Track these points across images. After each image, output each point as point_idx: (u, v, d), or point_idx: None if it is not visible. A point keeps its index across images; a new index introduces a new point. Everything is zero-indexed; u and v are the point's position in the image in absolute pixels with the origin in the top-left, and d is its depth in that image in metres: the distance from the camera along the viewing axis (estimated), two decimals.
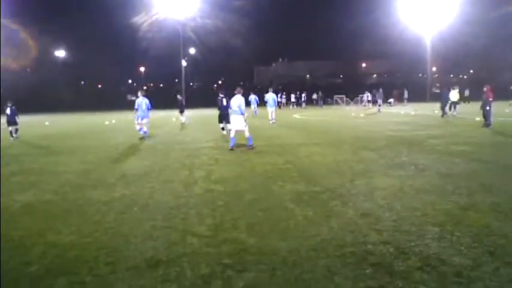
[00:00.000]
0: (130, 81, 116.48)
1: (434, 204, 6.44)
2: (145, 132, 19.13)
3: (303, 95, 57.18)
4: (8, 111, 21.14)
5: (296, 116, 35.66)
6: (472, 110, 28.35)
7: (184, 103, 30.28)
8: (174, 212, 6.48)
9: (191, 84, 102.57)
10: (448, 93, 28.97)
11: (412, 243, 4.82)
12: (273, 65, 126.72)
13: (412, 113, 33.96)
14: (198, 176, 9.38)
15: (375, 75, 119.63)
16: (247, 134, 13.83)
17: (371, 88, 52.54)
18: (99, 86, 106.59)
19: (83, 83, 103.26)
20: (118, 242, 5.22)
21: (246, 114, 13.90)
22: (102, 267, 4.48)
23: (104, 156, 13.28)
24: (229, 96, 15.10)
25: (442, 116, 27.88)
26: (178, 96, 30.57)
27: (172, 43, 75.59)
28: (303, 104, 56.26)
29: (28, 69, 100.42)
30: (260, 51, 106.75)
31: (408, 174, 8.80)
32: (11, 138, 20.53)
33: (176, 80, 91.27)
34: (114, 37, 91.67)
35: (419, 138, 15.50)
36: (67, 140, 19.37)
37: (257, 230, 5.51)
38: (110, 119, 34.35)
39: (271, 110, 27.62)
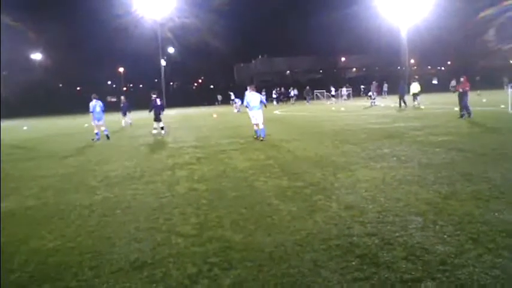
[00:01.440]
0: (109, 82, 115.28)
1: (416, 194, 6.51)
2: (105, 131, 19.62)
3: (293, 90, 57.05)
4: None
5: (277, 112, 35.70)
6: (451, 101, 28.76)
7: (127, 104, 29.36)
8: (157, 213, 6.43)
9: (171, 83, 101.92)
10: (407, 86, 31.82)
11: (396, 234, 4.86)
12: (253, 61, 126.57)
13: (392, 105, 34.27)
14: (181, 176, 9.33)
15: (354, 69, 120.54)
16: (261, 126, 15.30)
17: (350, 82, 52.92)
18: (78, 88, 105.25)
19: (60, 85, 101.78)
20: (102, 246, 5.16)
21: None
22: (86, 271, 4.42)
23: (85, 159, 13.12)
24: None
25: (400, 107, 30.06)
26: (122, 98, 29.75)
27: (151, 43, 75.13)
28: (292, 100, 56.22)
29: (4, 73, 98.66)
30: (239, 48, 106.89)
31: (390, 166, 8.89)
32: None
33: (156, 80, 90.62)
34: (91, 38, 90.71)
35: (400, 130, 15.66)
36: (46, 144, 19.08)
37: (242, 227, 5.50)
38: (90, 122, 33.95)
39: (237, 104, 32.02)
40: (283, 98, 56.71)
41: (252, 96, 15.53)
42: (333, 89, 54.85)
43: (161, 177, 9.34)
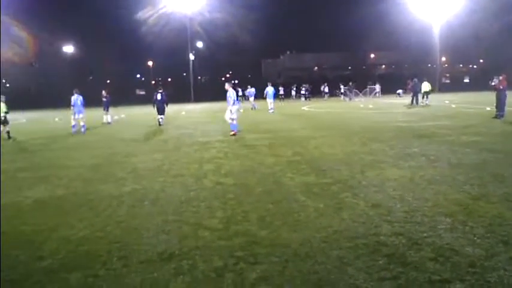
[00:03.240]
0: (138, 75, 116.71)
1: (445, 195, 6.41)
2: (83, 127, 20.71)
3: (325, 87, 56.53)
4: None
5: (305, 108, 35.57)
6: (483, 100, 28.18)
7: (109, 100, 27.06)
8: (185, 206, 6.50)
9: (199, 78, 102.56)
10: (420, 84, 32.75)
11: (425, 234, 4.79)
12: (281, 57, 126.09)
13: (422, 103, 33.71)
14: (208, 170, 9.39)
15: (383, 66, 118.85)
16: (235, 122, 16.13)
17: (379, 79, 52.06)
18: (108, 81, 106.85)
19: (91, 78, 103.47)
20: (130, 236, 5.25)
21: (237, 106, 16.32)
22: (115, 261, 4.51)
23: (113, 151, 13.33)
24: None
25: (412, 104, 31.64)
26: (103, 92, 27.34)
27: (180, 37, 75.66)
28: (326, 96, 55.73)
29: (36, 65, 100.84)
30: (267, 44, 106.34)
31: (419, 165, 8.76)
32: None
33: (184, 74, 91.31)
34: (122, 32, 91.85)
35: (430, 129, 15.40)
36: (77, 136, 19.45)
37: (268, 222, 5.52)
38: (119, 114, 34.47)
39: (270, 101, 31.63)
40: (310, 94, 56.08)
41: (234, 92, 16.33)
42: (341, 87, 54.42)
43: (189, 170, 9.43)
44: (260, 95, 36.94)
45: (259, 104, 36.19)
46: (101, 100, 27.05)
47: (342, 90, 54.00)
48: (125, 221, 5.88)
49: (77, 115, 20.62)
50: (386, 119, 20.94)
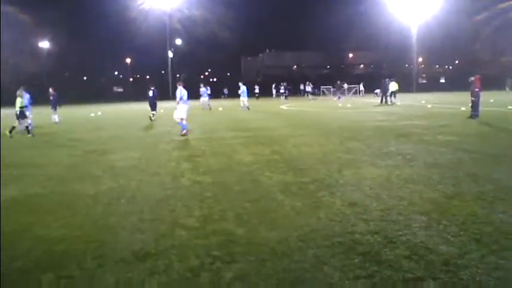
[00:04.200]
0: (116, 72, 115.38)
1: (421, 194, 6.49)
2: (30, 125, 19.76)
3: (308, 85, 56.59)
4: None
5: (283, 107, 35.68)
6: (458, 100, 28.69)
7: (56, 98, 26.05)
8: (161, 204, 6.45)
9: (178, 75, 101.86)
10: (389, 84, 35.23)
11: (400, 233, 4.85)
12: (260, 55, 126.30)
13: (399, 103, 34.15)
14: (186, 168, 9.35)
15: (362, 66, 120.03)
16: (185, 122, 16.13)
17: (359, 79, 52.51)
18: (84, 77, 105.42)
19: (66, 74, 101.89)
20: (106, 235, 5.18)
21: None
22: (89, 261, 4.44)
23: (90, 148, 13.15)
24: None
25: (381, 103, 34.26)
26: (50, 90, 26.31)
27: (159, 34, 75.13)
28: (309, 96, 55.71)
29: (10, 60, 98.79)
30: (247, 42, 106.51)
31: (395, 164, 8.86)
32: None
33: (163, 72, 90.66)
34: (99, 28, 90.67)
35: (406, 128, 15.61)
36: (52, 133, 19.15)
37: (246, 221, 5.51)
38: (96, 111, 34.08)
39: (243, 99, 33.45)
40: (288, 93, 56.13)
41: (184, 92, 16.50)
42: (308, 84, 55.12)
43: (166, 169, 9.36)
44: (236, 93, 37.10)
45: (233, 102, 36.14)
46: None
47: (309, 89, 54.56)
48: (101, 220, 5.80)
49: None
50: (365, 118, 21.16)
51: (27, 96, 20.30)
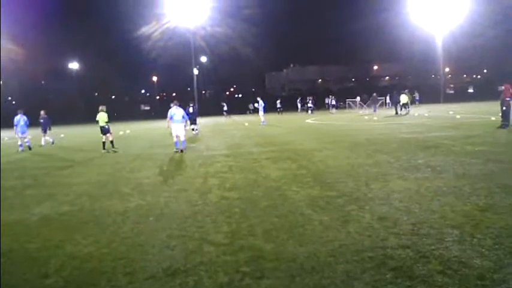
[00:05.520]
0: (143, 91, 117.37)
1: (452, 206, 6.35)
2: (27, 143, 21.75)
3: (332, 99, 56.00)
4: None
5: (309, 121, 35.58)
6: (487, 110, 28.13)
7: (46, 121, 24.84)
8: (189, 221, 6.48)
9: (203, 92, 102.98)
10: (399, 96, 37.07)
11: (432, 247, 4.75)
12: (284, 70, 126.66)
13: (426, 114, 33.67)
14: (213, 184, 9.38)
15: (387, 78, 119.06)
16: (182, 138, 16.77)
17: (384, 91, 51.93)
18: (113, 96, 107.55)
19: (96, 94, 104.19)
20: (135, 252, 5.23)
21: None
22: (120, 278, 4.49)
23: (119, 166, 13.34)
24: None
25: (396, 114, 35.71)
26: (42, 112, 24.94)
27: (184, 52, 76.05)
28: (332, 109, 54.96)
29: (42, 82, 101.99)
30: (271, 57, 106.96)
31: (424, 177, 8.71)
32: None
33: (189, 89, 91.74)
34: (126, 48, 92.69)
35: (435, 139, 15.34)
36: (82, 152, 19.51)
37: (274, 236, 5.48)
38: (124, 129, 34.64)
39: (261, 113, 34.02)
40: (314, 107, 55.71)
41: (176, 111, 16.90)
42: (331, 97, 54.78)
43: (193, 185, 9.41)
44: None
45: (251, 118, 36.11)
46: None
47: (333, 102, 54.24)
48: (130, 237, 5.87)
49: (20, 134, 21.57)
50: (391, 130, 20.90)
51: (23, 118, 21.80)
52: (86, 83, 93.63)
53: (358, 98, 59.09)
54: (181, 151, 16.32)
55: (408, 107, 38.07)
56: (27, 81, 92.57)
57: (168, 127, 17.12)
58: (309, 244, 5.09)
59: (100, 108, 18.28)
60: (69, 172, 12.87)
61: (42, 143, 24.04)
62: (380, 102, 50.80)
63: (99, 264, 4.91)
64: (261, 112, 34.18)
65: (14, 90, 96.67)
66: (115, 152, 17.60)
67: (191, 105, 27.18)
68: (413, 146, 13.89)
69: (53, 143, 24.73)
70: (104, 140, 17.76)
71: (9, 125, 24.07)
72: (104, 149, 17.46)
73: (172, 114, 16.89)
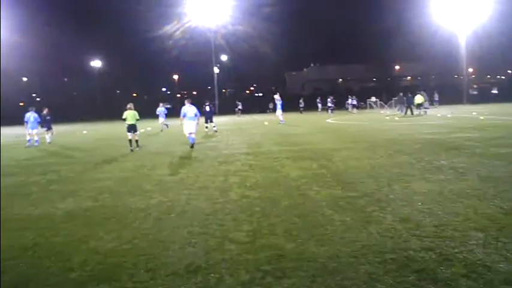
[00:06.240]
0: (164, 89, 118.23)
1: (476, 209, 6.26)
2: (36, 141, 22.53)
3: (353, 99, 55.28)
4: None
5: (329, 120, 35.42)
6: (511, 111, 27.61)
7: (50, 117, 24.39)
8: (211, 218, 6.51)
9: (223, 90, 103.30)
10: (413, 97, 37.19)
11: (456, 250, 4.69)
12: (305, 70, 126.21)
13: (449, 115, 33.21)
14: (233, 182, 9.41)
15: (409, 78, 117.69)
16: (193, 135, 17.61)
17: (406, 91, 51.20)
18: (134, 94, 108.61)
19: (118, 92, 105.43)
20: (157, 248, 5.28)
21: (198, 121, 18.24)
22: (142, 273, 4.54)
23: (140, 163, 13.47)
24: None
25: (405, 114, 36.09)
26: (46, 110, 24.49)
27: (204, 50, 76.63)
28: (352, 109, 54.26)
29: (65, 79, 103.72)
30: (291, 56, 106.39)
31: (447, 178, 8.59)
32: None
33: (209, 87, 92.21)
34: (147, 46, 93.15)
35: (457, 141, 15.12)
36: (104, 149, 19.76)
37: (295, 235, 5.48)
38: (145, 127, 34.93)
39: (279, 112, 33.40)
40: (334, 106, 55.17)
41: (189, 109, 17.64)
42: (352, 97, 54.15)
43: (214, 183, 9.46)
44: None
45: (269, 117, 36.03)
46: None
47: (354, 102, 53.70)
48: (152, 234, 5.93)
49: (30, 130, 22.49)
50: (412, 130, 20.66)
51: (34, 115, 22.71)
52: (108, 81, 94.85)
53: (373, 98, 58.57)
54: (192, 146, 17.14)
55: (425, 108, 38.04)
56: (50, 79, 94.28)
57: (181, 124, 17.85)
58: (330, 244, 5.08)
59: (128, 106, 18.17)
60: (92, 168, 13.04)
61: (48, 140, 23.95)
62: (403, 101, 49.90)
63: (122, 260, 4.97)
64: (279, 111, 33.60)
65: (38, 87, 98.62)
66: (138, 150, 17.63)
67: (207, 104, 27.95)
68: (435, 147, 13.72)
69: (49, 142, 23.65)
70: (130, 138, 17.69)
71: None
72: (131, 146, 17.46)
73: (185, 112, 17.57)
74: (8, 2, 57.89)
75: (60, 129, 25.32)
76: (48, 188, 10.04)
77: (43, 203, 8.32)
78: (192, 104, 18.13)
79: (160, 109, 33.06)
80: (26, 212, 7.58)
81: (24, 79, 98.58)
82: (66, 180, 10.97)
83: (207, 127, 26.97)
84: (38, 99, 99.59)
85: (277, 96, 34.37)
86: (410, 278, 4.04)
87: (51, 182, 10.84)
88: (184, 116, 17.56)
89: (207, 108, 27.51)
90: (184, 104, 18.09)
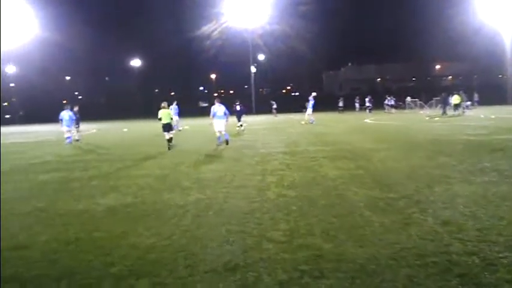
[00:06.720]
0: (201, 88, 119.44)
1: None
2: (70, 138, 23.17)
3: (390, 99, 54.25)
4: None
5: (367, 120, 34.94)
6: None
7: (79, 116, 25.02)
8: (248, 217, 6.54)
9: (260, 90, 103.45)
10: (448, 98, 37.99)
11: (500, 255, 4.54)
12: (342, 69, 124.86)
13: (492, 116, 32.19)
14: (271, 181, 9.41)
15: (450, 77, 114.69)
16: (223, 132, 18.05)
17: (447, 91, 49.76)
18: (172, 93, 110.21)
19: (156, 90, 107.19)
20: (195, 245, 5.34)
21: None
22: (181, 270, 4.60)
23: (178, 161, 13.64)
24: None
25: (445, 114, 35.74)
26: (76, 108, 25.17)
27: (242, 50, 77.00)
28: (389, 109, 53.22)
29: (106, 78, 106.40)
30: (328, 55, 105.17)
31: (491, 181, 8.33)
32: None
33: (246, 86, 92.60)
34: (185, 46, 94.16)
35: (502, 142, 14.64)
36: (143, 146, 20.13)
37: (333, 236, 5.43)
38: (183, 125, 35.40)
39: (309, 111, 33.17)
40: (372, 106, 54.22)
41: (219, 108, 18.15)
42: (390, 97, 53.03)
43: (251, 182, 9.49)
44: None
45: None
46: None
47: (392, 102, 52.71)
48: (190, 230, 6.00)
49: (67, 127, 23.33)
50: (453, 131, 20.15)
51: (69, 113, 23.48)
52: (147, 80, 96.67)
53: (409, 99, 57.39)
54: (227, 143, 17.81)
55: (464, 108, 38.36)
56: (92, 78, 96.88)
57: (211, 123, 18.40)
58: (369, 246, 5.01)
59: (162, 105, 18.32)
60: (131, 165, 13.32)
61: (77, 137, 24.44)
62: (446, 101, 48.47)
63: (161, 256, 5.05)
64: (309, 110, 33.06)
65: (81, 86, 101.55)
66: (173, 148, 17.71)
67: (237, 103, 28.92)
68: (478, 148, 13.34)
69: (78, 140, 24.33)
70: (167, 137, 17.77)
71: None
72: (168, 144, 17.57)
73: (215, 111, 18.12)
74: (50, 2, 59.87)
75: (102, 127, 25.90)
76: (89, 183, 10.31)
77: (85, 198, 8.54)
78: (222, 103, 18.64)
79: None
80: (69, 208, 7.80)
81: (67, 78, 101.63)
82: (107, 177, 11.24)
83: (240, 125, 27.54)
84: (80, 97, 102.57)
85: (310, 97, 33.78)
86: (452, 283, 3.94)
87: (92, 178, 11.13)
88: (214, 115, 18.11)
89: (237, 108, 28.43)
90: (213, 104, 18.69)
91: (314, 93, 34.19)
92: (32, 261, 5.08)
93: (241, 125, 27.54)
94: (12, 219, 7.08)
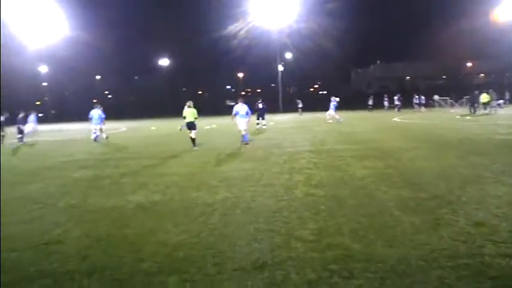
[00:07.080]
0: (229, 86, 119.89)
1: None
2: (97, 136, 23.78)
3: (419, 98, 53.21)
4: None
5: (396, 119, 34.46)
6: None
7: (104, 115, 24.93)
8: (276, 215, 6.53)
9: (287, 88, 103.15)
10: (479, 96, 38.11)
11: None
12: (371, 67, 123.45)
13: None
14: (298, 180, 9.37)
15: (481, 75, 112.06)
16: (243, 132, 18.25)
17: (478, 89, 48.59)
18: (199, 92, 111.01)
19: (184, 89, 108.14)
20: (223, 243, 5.37)
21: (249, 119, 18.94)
22: (209, 267, 4.63)
23: (206, 159, 13.73)
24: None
25: (473, 113, 35.60)
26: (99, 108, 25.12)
27: (269, 49, 76.90)
28: (419, 107, 52.18)
29: (136, 77, 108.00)
30: (357, 53, 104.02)
31: None
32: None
33: (273, 85, 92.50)
34: (213, 45, 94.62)
35: None
36: (170, 144, 20.34)
37: (362, 236, 5.38)
38: (211, 124, 35.62)
39: (331, 112, 33.02)
40: (401, 105, 53.35)
41: (241, 107, 18.52)
42: (419, 96, 52.00)
43: (279, 180, 9.48)
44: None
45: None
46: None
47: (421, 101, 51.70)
48: (218, 228, 6.03)
49: (95, 125, 24.06)
50: (485, 131, 19.69)
51: (98, 111, 24.16)
52: (175, 79, 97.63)
53: (436, 97, 56.38)
54: (246, 143, 17.83)
55: (493, 107, 38.06)
56: (121, 77, 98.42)
57: (234, 122, 18.80)
58: (399, 246, 4.94)
59: (187, 104, 18.33)
60: (159, 163, 13.47)
61: (104, 135, 24.70)
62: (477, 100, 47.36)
63: (190, 253, 5.09)
64: (331, 110, 32.81)
65: (111, 85, 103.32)
66: (196, 148, 17.61)
67: (259, 101, 29.83)
68: (510, 147, 13.00)
69: (106, 137, 24.72)
70: (193, 136, 17.72)
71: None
72: (193, 143, 17.59)
73: (237, 110, 18.54)
74: (79, 2, 61.18)
75: (131, 126, 26.32)
76: (119, 181, 10.47)
77: (115, 195, 8.69)
78: (245, 103, 18.94)
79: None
80: (100, 204, 7.95)
81: (98, 77, 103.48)
82: (136, 174, 11.40)
83: (258, 123, 28.21)
84: (109, 96, 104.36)
85: (332, 98, 33.57)
86: (485, 285, 3.86)
87: (122, 175, 11.30)
88: (236, 114, 18.51)
89: (260, 106, 29.26)
90: (237, 103, 19.11)
91: (337, 98, 33.62)
92: (65, 256, 5.20)
93: (264, 124, 28.34)
94: (46, 216, 7.26)
